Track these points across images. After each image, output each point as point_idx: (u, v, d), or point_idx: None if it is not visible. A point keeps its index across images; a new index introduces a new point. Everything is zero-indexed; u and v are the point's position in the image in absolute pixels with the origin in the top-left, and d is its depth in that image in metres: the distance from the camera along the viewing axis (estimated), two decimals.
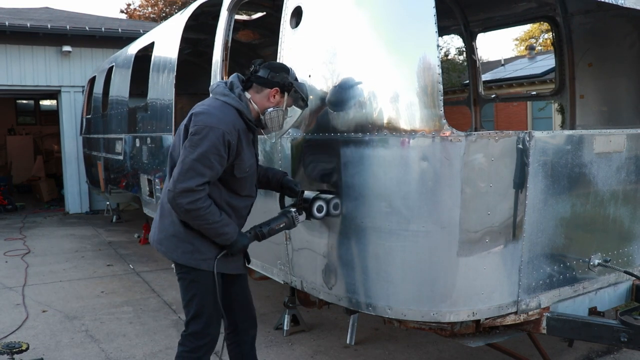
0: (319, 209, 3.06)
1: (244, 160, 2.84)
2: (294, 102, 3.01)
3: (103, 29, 11.86)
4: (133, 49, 7.40)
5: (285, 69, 2.96)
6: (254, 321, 3.23)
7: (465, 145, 2.76)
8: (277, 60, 3.51)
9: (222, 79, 4.27)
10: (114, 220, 10.98)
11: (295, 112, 3.36)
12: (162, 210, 2.96)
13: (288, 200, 3.22)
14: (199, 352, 2.92)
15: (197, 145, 2.66)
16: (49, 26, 11.43)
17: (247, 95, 2.90)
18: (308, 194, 3.14)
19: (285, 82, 2.91)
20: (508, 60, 21.67)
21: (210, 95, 2.94)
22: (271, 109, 2.90)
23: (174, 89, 5.31)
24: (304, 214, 3.09)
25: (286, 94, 2.93)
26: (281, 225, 3.04)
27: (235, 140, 2.76)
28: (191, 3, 5.49)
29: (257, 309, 5.32)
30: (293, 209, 3.07)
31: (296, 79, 2.99)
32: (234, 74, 3.00)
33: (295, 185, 3.13)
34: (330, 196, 3.11)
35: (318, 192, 3.16)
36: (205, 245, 2.86)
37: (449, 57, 24.15)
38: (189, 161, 2.66)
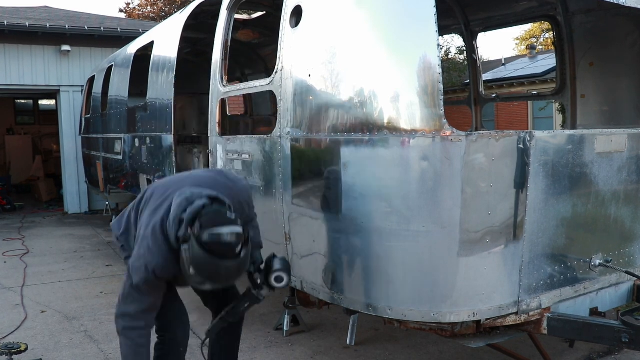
0: (278, 280, 2.88)
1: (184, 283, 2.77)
2: None
3: (102, 29, 11.83)
4: (132, 48, 7.38)
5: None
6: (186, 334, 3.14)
7: (466, 145, 2.74)
8: (277, 60, 3.50)
9: (222, 78, 4.25)
10: (113, 220, 10.94)
11: (294, 113, 3.35)
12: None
13: None
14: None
15: (134, 274, 2.67)
16: (47, 25, 11.41)
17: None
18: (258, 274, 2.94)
19: None
20: (509, 60, 21.70)
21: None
22: None
23: (173, 89, 5.29)
24: (264, 288, 2.93)
25: None
26: (246, 306, 2.96)
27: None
28: (190, 2, 5.47)
29: (256, 309, 5.34)
30: (253, 290, 2.93)
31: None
32: None
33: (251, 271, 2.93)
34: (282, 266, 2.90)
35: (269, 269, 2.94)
36: None
37: (450, 56, 24.16)
38: (127, 287, 2.71)
